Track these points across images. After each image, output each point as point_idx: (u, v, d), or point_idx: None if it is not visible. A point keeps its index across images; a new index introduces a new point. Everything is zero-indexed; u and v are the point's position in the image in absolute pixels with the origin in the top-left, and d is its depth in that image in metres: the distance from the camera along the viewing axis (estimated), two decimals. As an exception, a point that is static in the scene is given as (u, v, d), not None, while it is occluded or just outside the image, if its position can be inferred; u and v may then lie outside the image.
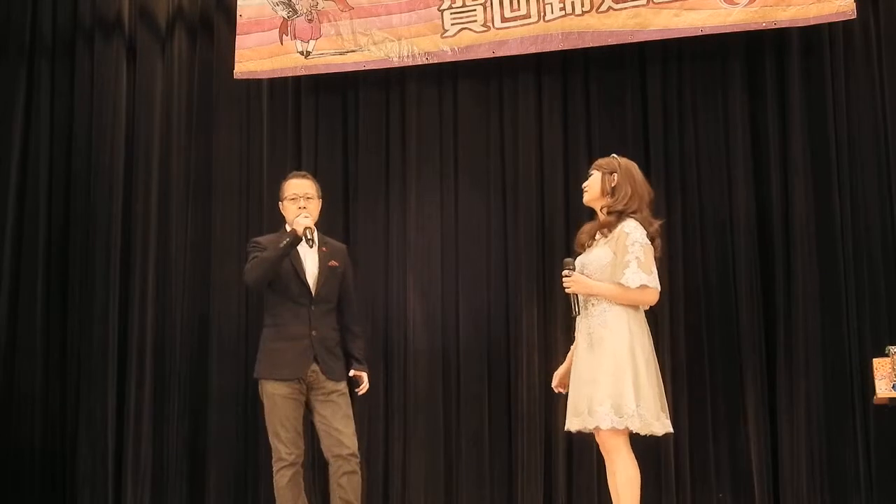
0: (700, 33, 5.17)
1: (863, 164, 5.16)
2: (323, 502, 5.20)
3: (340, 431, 4.16)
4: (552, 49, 5.38)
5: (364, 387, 4.38)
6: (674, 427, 3.86)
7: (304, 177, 4.39)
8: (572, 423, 3.79)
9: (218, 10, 6.05)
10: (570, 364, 3.91)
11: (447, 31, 5.51)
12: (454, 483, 5.43)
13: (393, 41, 5.58)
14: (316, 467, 5.21)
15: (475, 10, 5.46)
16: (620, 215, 3.80)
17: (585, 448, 5.07)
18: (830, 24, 5.14)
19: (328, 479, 4.26)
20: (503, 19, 5.41)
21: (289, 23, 5.75)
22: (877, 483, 4.92)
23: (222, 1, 6.04)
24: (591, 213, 4.03)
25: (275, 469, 4.14)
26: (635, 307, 3.78)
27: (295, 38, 5.74)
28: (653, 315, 4.43)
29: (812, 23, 5.06)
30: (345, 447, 4.15)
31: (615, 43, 5.29)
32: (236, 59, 5.80)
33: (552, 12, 5.33)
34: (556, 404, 5.16)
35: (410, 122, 5.77)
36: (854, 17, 5.01)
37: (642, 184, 3.88)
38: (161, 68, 6.16)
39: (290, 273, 4.20)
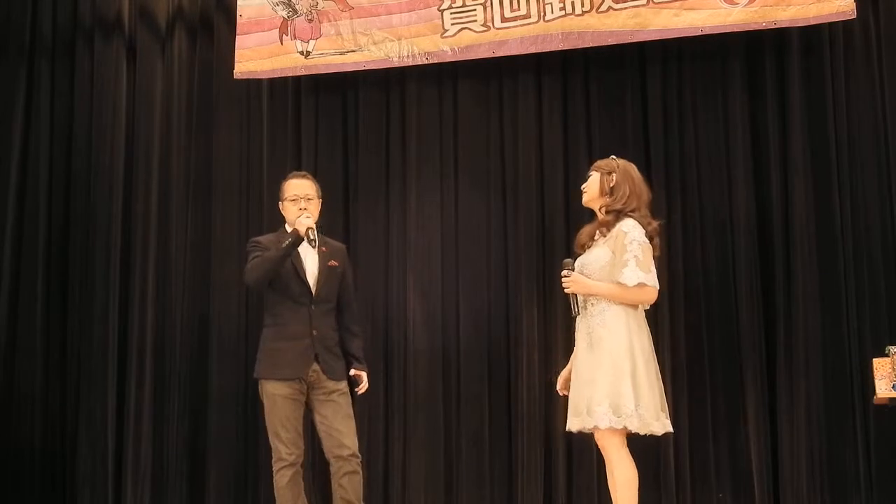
0: (700, 33, 5.17)
1: (863, 164, 5.16)
2: (323, 502, 5.21)
3: (341, 432, 4.16)
4: (552, 49, 5.38)
5: (364, 386, 4.38)
6: (674, 427, 3.86)
7: (304, 177, 4.39)
8: (573, 424, 3.80)
9: (218, 10, 6.05)
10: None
11: (447, 30, 5.51)
12: (454, 483, 5.43)
13: (393, 41, 5.58)
14: (316, 467, 5.21)
15: (475, 9, 5.46)
16: (619, 214, 3.81)
17: (585, 448, 5.07)
18: (830, 24, 5.14)
19: (328, 479, 4.27)
20: (503, 19, 5.41)
21: (289, 23, 5.75)
22: (877, 483, 4.92)
23: (222, 1, 6.04)
24: (591, 214, 4.03)
25: (275, 469, 4.14)
26: (634, 306, 3.78)
27: (295, 38, 5.74)
28: (653, 315, 4.43)
29: (812, 23, 5.06)
30: (345, 448, 4.15)
31: (615, 43, 5.29)
32: (236, 59, 5.80)
33: (552, 12, 5.33)
34: (556, 404, 5.15)
35: (410, 122, 5.76)
36: (854, 17, 5.00)
37: (641, 184, 3.89)
38: (161, 68, 6.16)
39: (291, 273, 4.20)
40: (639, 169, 4.01)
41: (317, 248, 4.22)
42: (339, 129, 5.87)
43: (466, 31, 5.48)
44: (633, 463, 3.74)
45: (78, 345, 5.91)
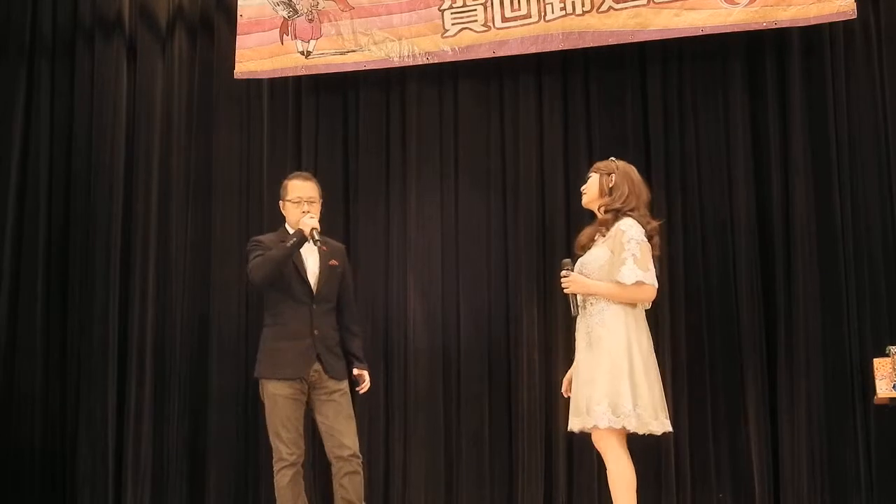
0: (700, 33, 5.17)
1: (863, 164, 5.16)
2: (323, 502, 5.21)
3: (342, 432, 4.17)
4: (552, 49, 5.38)
5: (366, 385, 4.38)
6: (674, 427, 3.86)
7: (307, 179, 4.39)
8: (574, 424, 3.81)
9: (218, 10, 6.05)
10: None
11: (448, 30, 5.51)
12: (454, 483, 5.43)
13: (393, 41, 5.59)
14: (316, 467, 5.21)
15: (476, 9, 5.46)
16: (617, 214, 3.82)
17: (585, 448, 5.06)
18: (831, 24, 5.14)
19: (329, 478, 4.27)
20: (504, 19, 5.42)
21: (289, 23, 5.75)
22: (877, 483, 4.92)
23: (222, 1, 6.04)
24: (591, 215, 4.03)
25: (275, 469, 4.13)
26: (634, 306, 3.78)
27: (295, 37, 5.74)
28: (653, 315, 4.43)
29: (812, 23, 5.06)
30: (346, 448, 4.15)
31: (615, 43, 5.29)
32: (237, 58, 5.80)
33: (552, 12, 5.33)
34: (556, 404, 5.17)
35: (410, 122, 5.77)
36: (854, 16, 5.01)
37: (640, 184, 3.91)
38: (161, 68, 6.16)
39: (293, 272, 4.20)
40: (639, 169, 4.01)
41: (317, 248, 4.23)
42: (339, 129, 5.87)
43: (467, 31, 5.48)
44: (631, 462, 3.74)
45: (78, 345, 5.91)
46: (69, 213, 6.07)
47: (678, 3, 5.16)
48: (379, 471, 5.45)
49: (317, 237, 4.16)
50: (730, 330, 5.18)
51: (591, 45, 5.32)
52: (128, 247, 5.98)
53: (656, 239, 3.84)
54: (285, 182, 4.39)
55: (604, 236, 3.86)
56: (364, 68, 5.68)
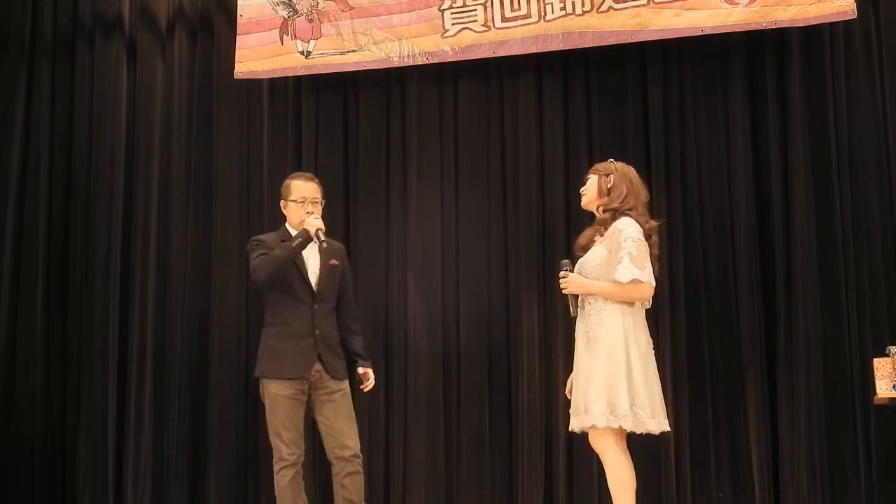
0: (700, 33, 5.17)
1: (863, 164, 5.15)
2: (323, 502, 5.21)
3: (343, 433, 4.17)
4: (552, 49, 5.38)
5: (371, 383, 4.38)
6: (674, 427, 3.87)
7: (310, 179, 4.38)
8: (573, 424, 3.82)
9: (218, 10, 6.05)
10: None
11: (447, 30, 5.51)
12: (454, 483, 5.43)
13: (393, 41, 5.59)
14: (316, 467, 5.20)
15: (476, 9, 5.46)
16: (615, 213, 3.83)
17: (585, 448, 5.00)
18: (831, 24, 5.14)
19: (328, 478, 4.27)
20: (504, 19, 5.42)
21: (289, 23, 5.75)
22: (877, 483, 4.92)
23: (223, 1, 6.03)
24: (591, 215, 4.04)
25: (276, 469, 4.13)
26: (632, 305, 3.78)
27: (295, 38, 5.74)
28: (653, 315, 4.44)
29: (812, 23, 5.06)
30: (348, 449, 4.15)
31: (616, 43, 5.29)
32: (237, 58, 5.80)
33: (553, 12, 5.33)
34: (556, 404, 5.17)
35: (410, 122, 5.77)
36: (854, 17, 5.00)
37: (638, 185, 3.92)
38: (161, 68, 6.16)
39: (294, 272, 4.20)
40: (639, 169, 4.02)
41: (317, 247, 4.23)
42: (339, 129, 5.87)
43: (467, 31, 5.48)
44: (630, 462, 3.75)
45: (78, 344, 5.91)
46: (69, 213, 6.07)
47: (678, 3, 5.16)
48: (379, 471, 5.45)
49: (322, 237, 4.16)
50: (730, 330, 5.18)
51: (591, 45, 5.32)
52: (128, 247, 5.98)
53: (654, 238, 3.84)
54: (287, 182, 4.38)
55: (602, 236, 3.87)
56: (364, 68, 5.68)
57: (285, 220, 4.36)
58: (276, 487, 4.13)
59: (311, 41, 5.73)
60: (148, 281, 5.92)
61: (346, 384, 4.27)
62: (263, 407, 4.22)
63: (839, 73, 5.22)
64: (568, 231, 5.27)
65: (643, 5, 5.20)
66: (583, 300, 3.83)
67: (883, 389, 4.32)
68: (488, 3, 5.43)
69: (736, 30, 5.16)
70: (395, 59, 5.60)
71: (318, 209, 4.31)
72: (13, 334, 5.97)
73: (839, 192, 5.14)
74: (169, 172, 6.03)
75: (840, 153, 5.17)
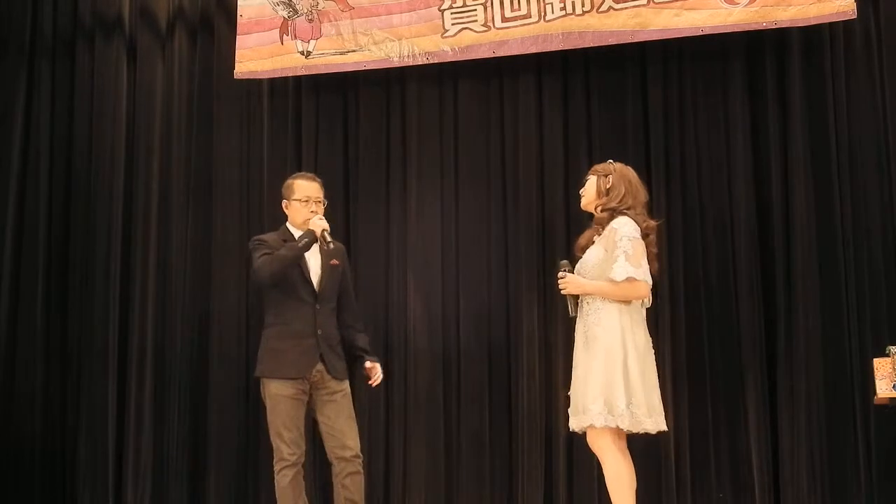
0: (700, 33, 5.17)
1: (863, 164, 5.15)
2: (323, 502, 5.21)
3: (344, 433, 4.17)
4: (552, 49, 5.38)
5: (378, 377, 4.36)
6: (674, 427, 3.88)
7: (313, 179, 4.38)
8: (573, 423, 3.84)
9: (218, 10, 6.05)
10: None
11: (447, 30, 5.51)
12: (454, 483, 5.43)
13: (393, 41, 5.58)
14: (315, 467, 5.20)
15: (476, 9, 5.46)
16: (613, 213, 3.85)
17: (585, 448, 5.01)
18: (830, 24, 5.14)
19: (328, 478, 4.27)
20: (504, 19, 5.41)
21: (289, 23, 5.75)
22: (877, 483, 4.92)
23: (222, 1, 6.03)
24: (591, 216, 4.05)
25: (276, 469, 4.12)
26: (629, 304, 3.79)
27: (295, 38, 5.74)
28: (653, 315, 4.44)
29: (812, 23, 5.06)
30: (348, 449, 4.16)
31: (615, 43, 5.29)
32: (237, 58, 5.80)
33: (552, 12, 5.33)
34: (556, 404, 5.17)
35: (410, 122, 5.76)
36: (854, 17, 5.00)
37: (637, 185, 3.94)
38: (161, 68, 6.16)
39: (296, 272, 4.19)
40: (639, 169, 4.03)
41: (318, 248, 4.23)
42: (339, 129, 5.87)
43: (467, 31, 5.48)
44: (628, 461, 3.76)
45: (78, 344, 5.91)
46: (69, 213, 6.07)
47: (678, 3, 5.16)
48: (379, 471, 5.45)
49: (328, 238, 4.16)
50: (730, 330, 5.18)
51: (591, 45, 5.32)
52: (128, 247, 5.98)
53: (652, 237, 3.85)
54: (290, 182, 4.38)
55: (600, 235, 3.88)
56: (364, 68, 5.68)
57: (286, 220, 4.36)
58: (276, 487, 4.13)
59: (311, 41, 5.73)
60: (148, 281, 5.92)
61: (346, 384, 4.28)
62: (264, 407, 4.22)
63: (839, 73, 5.21)
64: (568, 231, 5.27)
65: (643, 5, 5.20)
66: (582, 300, 3.85)
67: (883, 389, 4.32)
68: (488, 3, 5.43)
69: (736, 30, 5.16)
70: (395, 59, 5.60)
71: (321, 209, 4.31)
72: (13, 334, 5.97)
73: (839, 192, 5.14)
74: (169, 172, 6.03)
75: (840, 153, 5.17)
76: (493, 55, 5.47)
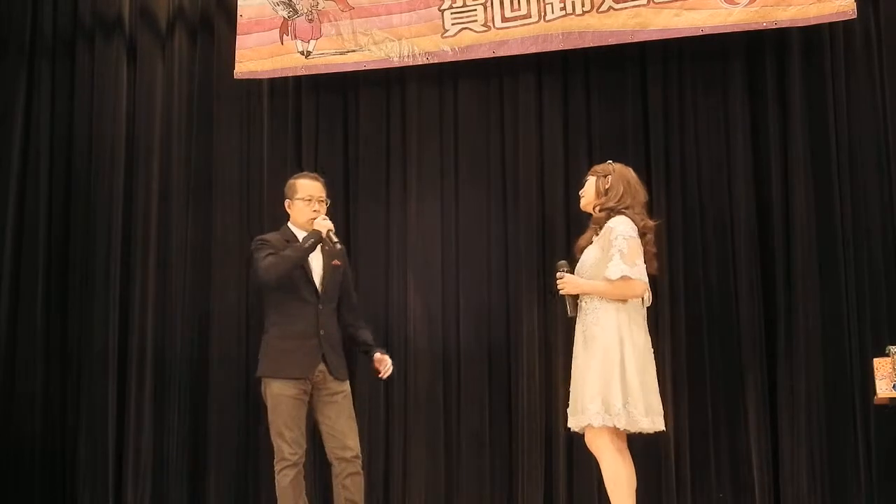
0: (700, 33, 5.17)
1: (863, 164, 5.15)
2: (323, 502, 5.20)
3: (345, 434, 4.17)
4: (552, 49, 5.38)
5: (389, 368, 4.35)
6: (674, 427, 3.88)
7: (316, 178, 4.38)
8: (571, 422, 3.85)
9: (218, 10, 6.05)
10: None
11: (447, 30, 5.51)
12: (454, 483, 5.43)
13: (393, 41, 5.58)
14: (315, 467, 5.20)
15: (475, 9, 5.46)
16: (611, 212, 3.85)
17: (585, 448, 5.03)
18: (830, 24, 5.14)
19: (328, 478, 4.27)
20: (503, 19, 5.41)
21: (289, 23, 5.75)
22: (877, 483, 4.92)
23: (222, 1, 6.03)
24: (590, 216, 4.04)
25: (277, 469, 4.11)
26: (626, 302, 3.79)
27: (295, 38, 5.74)
28: (653, 315, 4.44)
29: (812, 23, 5.06)
30: (349, 450, 4.16)
31: (615, 43, 5.29)
32: (237, 58, 5.80)
33: (552, 12, 5.33)
34: (556, 404, 5.17)
35: (410, 122, 5.76)
36: (854, 17, 5.00)
37: (636, 185, 3.95)
38: (161, 68, 6.16)
39: (299, 272, 4.18)
40: (639, 169, 4.03)
41: (320, 248, 4.23)
42: (339, 129, 5.87)
43: (467, 31, 5.48)
44: (627, 461, 3.76)
45: (78, 344, 5.91)
46: (69, 213, 6.07)
47: (678, 3, 5.16)
48: (379, 471, 5.45)
49: (335, 238, 4.17)
50: (730, 330, 5.18)
51: (591, 45, 5.32)
52: (128, 247, 5.98)
53: (650, 236, 3.86)
54: (293, 181, 4.37)
55: (598, 235, 3.89)
56: (364, 68, 5.68)
57: (287, 220, 4.35)
58: (277, 487, 4.13)
59: (311, 41, 5.73)
60: (148, 281, 5.92)
61: (347, 385, 4.28)
62: (265, 406, 4.21)
63: (839, 73, 5.21)
64: (568, 231, 5.27)
65: (643, 5, 5.20)
66: (581, 300, 3.86)
67: (883, 389, 4.32)
68: (488, 3, 5.43)
69: (736, 30, 5.16)
70: (395, 59, 5.60)
71: (324, 208, 4.31)
72: (13, 334, 5.97)
73: (839, 192, 5.14)
74: (169, 172, 6.03)
75: (840, 153, 5.17)
76: (493, 55, 5.47)
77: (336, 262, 4.32)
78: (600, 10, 5.26)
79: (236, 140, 5.97)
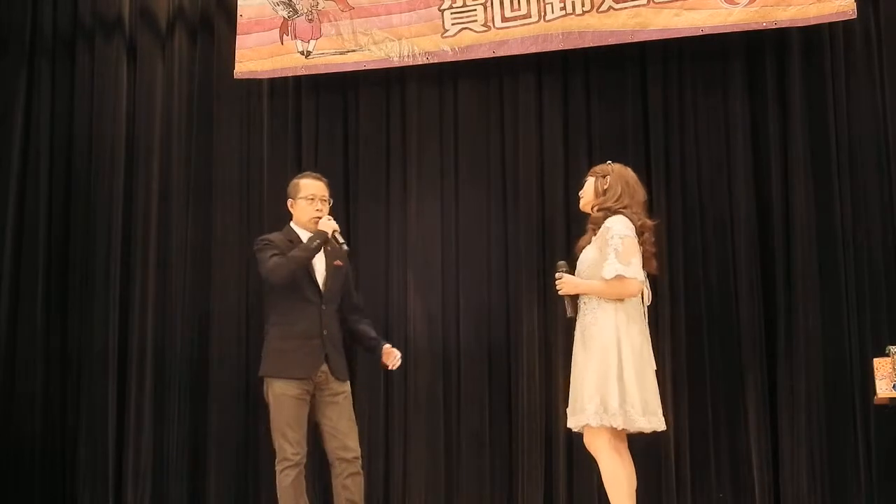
0: (700, 33, 5.17)
1: (863, 164, 5.15)
2: (323, 502, 5.20)
3: (346, 434, 4.17)
4: (552, 49, 5.38)
5: (398, 359, 4.37)
6: (674, 427, 3.87)
7: (319, 178, 4.38)
8: (571, 422, 3.85)
9: (218, 10, 6.05)
10: None
11: (447, 30, 5.51)
12: (454, 483, 5.43)
13: (393, 41, 5.58)
14: (315, 468, 5.20)
15: (475, 9, 5.46)
16: (608, 212, 3.86)
17: (585, 447, 5.05)
18: (830, 24, 5.14)
19: (328, 478, 4.27)
20: (503, 19, 5.42)
21: (289, 23, 5.75)
22: (877, 483, 4.92)
23: (222, 1, 6.04)
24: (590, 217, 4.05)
25: (278, 469, 4.11)
26: (623, 301, 3.79)
27: (295, 37, 5.74)
28: (653, 315, 4.44)
29: (812, 23, 5.06)
30: (350, 450, 4.16)
31: (615, 43, 5.29)
32: (237, 58, 5.80)
33: (552, 12, 5.33)
34: (556, 404, 5.17)
35: (410, 122, 5.77)
36: (854, 17, 5.00)
37: (635, 185, 3.95)
38: (161, 68, 6.16)
39: (302, 272, 4.18)
40: (639, 169, 4.03)
41: (336, 249, 4.23)
42: (339, 129, 5.87)
43: (467, 30, 5.48)
44: (626, 461, 3.76)
45: (78, 344, 5.92)
46: (69, 212, 6.07)
47: (678, 3, 5.16)
48: (379, 471, 5.45)
49: (341, 239, 4.17)
50: (730, 330, 5.18)
51: (591, 45, 5.32)
52: (128, 247, 5.98)
53: (648, 236, 3.86)
54: (295, 181, 4.36)
55: (595, 234, 3.89)
56: (364, 68, 5.68)
57: (290, 220, 4.35)
58: (278, 487, 4.12)
59: (311, 41, 5.73)
60: (148, 281, 5.92)
61: (348, 386, 4.28)
62: (266, 406, 4.21)
63: (839, 73, 5.22)
64: (568, 231, 5.27)
65: (643, 5, 5.20)
66: (580, 300, 3.86)
67: (883, 389, 4.32)
68: (488, 3, 5.43)
69: (736, 30, 5.16)
70: (395, 59, 5.60)
71: (327, 207, 4.31)
72: (13, 334, 5.97)
73: (839, 192, 5.14)
74: (169, 172, 6.03)
75: (840, 153, 5.17)
76: (493, 55, 5.47)
77: (338, 262, 4.32)
78: (600, 9, 5.26)
79: (236, 140, 5.97)
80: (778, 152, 5.24)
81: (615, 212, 3.84)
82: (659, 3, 5.18)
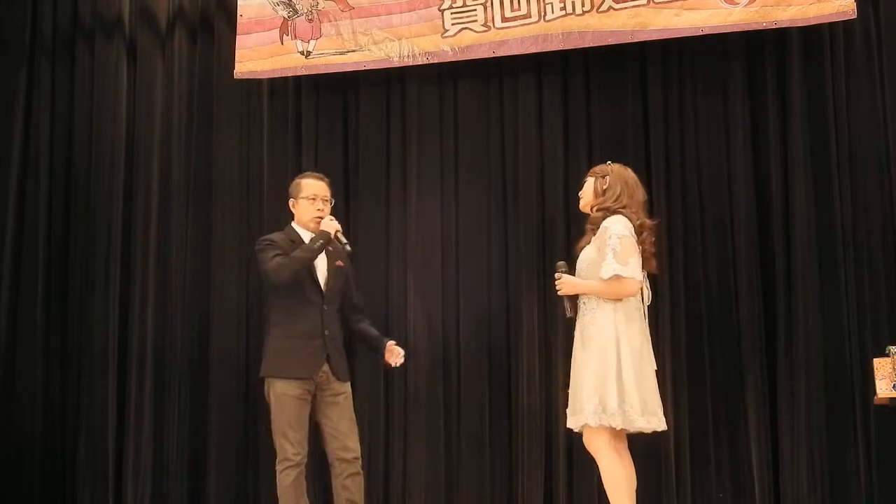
0: (700, 33, 5.17)
1: (863, 164, 5.15)
2: (323, 502, 5.20)
3: (346, 435, 4.18)
4: (552, 49, 5.38)
5: (401, 357, 4.39)
6: (674, 427, 3.87)
7: (321, 178, 4.38)
8: (570, 422, 3.86)
9: (218, 10, 6.05)
10: None
11: (447, 30, 5.51)
12: (454, 483, 5.43)
13: (393, 41, 5.58)
14: (315, 468, 5.20)
15: (475, 9, 5.46)
16: (607, 212, 3.86)
17: (585, 447, 5.05)
18: (830, 24, 5.14)
19: (328, 478, 4.27)
20: (503, 19, 5.42)
21: (289, 23, 5.75)
22: (877, 483, 4.92)
23: (222, 1, 6.03)
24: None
25: (279, 469, 4.11)
26: (623, 301, 3.79)
27: (295, 37, 5.74)
28: (653, 315, 4.44)
29: (812, 23, 5.06)
30: (350, 451, 4.16)
31: (615, 43, 5.29)
32: (237, 58, 5.80)
33: (552, 12, 5.33)
34: (556, 404, 5.17)
35: (410, 122, 5.76)
36: (854, 16, 5.00)
37: (634, 185, 3.96)
38: (161, 68, 6.16)
39: (304, 272, 4.18)
40: (639, 169, 4.04)
41: (339, 249, 4.23)
42: (339, 129, 5.87)
43: (467, 30, 5.48)
44: (626, 461, 3.77)
45: (78, 344, 5.92)
46: (69, 212, 6.07)
47: (678, 3, 5.16)
48: (379, 471, 5.45)
49: (343, 240, 4.17)
50: (730, 330, 5.18)
51: (591, 45, 5.32)
52: (128, 247, 5.98)
53: (647, 235, 3.86)
54: (297, 180, 4.37)
55: (594, 235, 3.89)
56: (364, 68, 5.68)
57: (291, 220, 4.35)
58: (278, 487, 4.12)
59: (311, 41, 5.73)
60: (148, 281, 5.92)
61: (348, 386, 4.28)
62: (267, 406, 4.22)
63: (839, 73, 5.21)
64: (568, 231, 5.27)
65: (643, 5, 5.20)
66: (579, 300, 3.87)
67: (883, 389, 4.31)
68: (488, 3, 5.43)
69: (736, 30, 5.16)
70: (395, 59, 5.60)
71: (328, 207, 4.31)
72: (13, 334, 5.97)
73: (839, 192, 5.14)
74: (169, 172, 6.03)
75: (840, 153, 5.17)
76: (493, 55, 5.47)
77: (339, 262, 4.32)
78: (600, 9, 5.26)
79: (236, 140, 5.97)
80: (778, 152, 5.24)
81: (614, 212, 3.85)
82: (659, 3, 5.18)
